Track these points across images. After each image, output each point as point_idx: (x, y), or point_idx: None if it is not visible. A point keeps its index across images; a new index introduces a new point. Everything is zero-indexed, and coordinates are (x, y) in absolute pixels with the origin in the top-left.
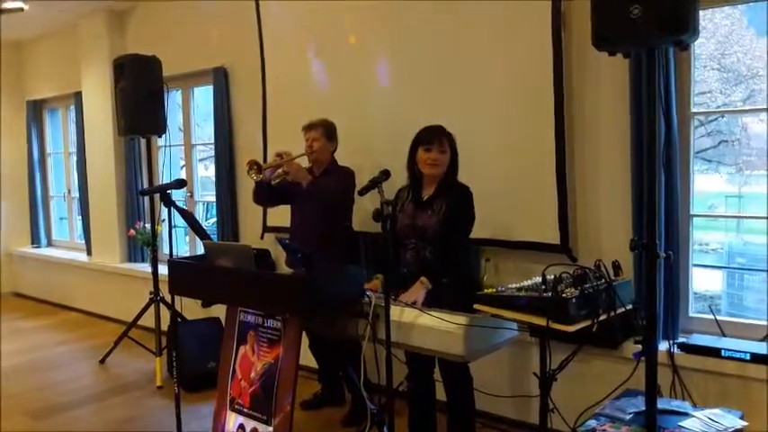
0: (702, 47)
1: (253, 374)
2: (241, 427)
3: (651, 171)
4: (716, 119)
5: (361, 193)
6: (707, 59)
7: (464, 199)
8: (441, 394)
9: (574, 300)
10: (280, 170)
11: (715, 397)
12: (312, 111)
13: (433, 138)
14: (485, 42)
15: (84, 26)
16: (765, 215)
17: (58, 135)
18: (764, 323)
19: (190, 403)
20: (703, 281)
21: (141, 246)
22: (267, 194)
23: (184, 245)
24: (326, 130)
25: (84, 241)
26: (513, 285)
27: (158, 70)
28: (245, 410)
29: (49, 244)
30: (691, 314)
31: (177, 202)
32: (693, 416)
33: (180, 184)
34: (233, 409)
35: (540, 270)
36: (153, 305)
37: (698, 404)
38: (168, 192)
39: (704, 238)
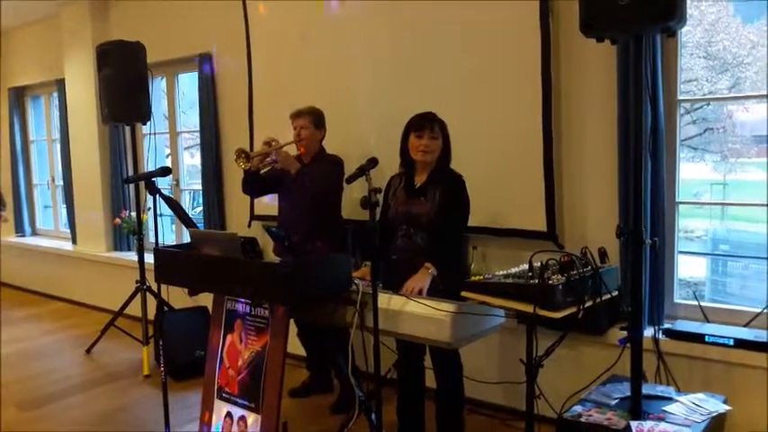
0: (689, 34)
1: (240, 363)
2: (229, 414)
3: (637, 158)
4: (701, 106)
5: (349, 180)
6: (693, 47)
7: (460, 188)
8: (429, 381)
9: (560, 286)
10: (268, 158)
11: (699, 382)
12: (299, 98)
13: (425, 124)
14: (472, 29)
15: (67, 12)
16: (750, 202)
17: (41, 122)
18: (747, 309)
19: (177, 392)
20: (687, 267)
21: (127, 234)
22: (256, 184)
23: (171, 233)
24: (315, 118)
25: (69, 230)
26: (501, 272)
27: (142, 57)
28: (233, 398)
29: (34, 233)
30: (675, 300)
31: (163, 191)
32: (678, 401)
33: (165, 171)
34: (221, 398)
35: (527, 257)
36: (139, 294)
37: (682, 389)
38: (153, 180)
39: (689, 225)
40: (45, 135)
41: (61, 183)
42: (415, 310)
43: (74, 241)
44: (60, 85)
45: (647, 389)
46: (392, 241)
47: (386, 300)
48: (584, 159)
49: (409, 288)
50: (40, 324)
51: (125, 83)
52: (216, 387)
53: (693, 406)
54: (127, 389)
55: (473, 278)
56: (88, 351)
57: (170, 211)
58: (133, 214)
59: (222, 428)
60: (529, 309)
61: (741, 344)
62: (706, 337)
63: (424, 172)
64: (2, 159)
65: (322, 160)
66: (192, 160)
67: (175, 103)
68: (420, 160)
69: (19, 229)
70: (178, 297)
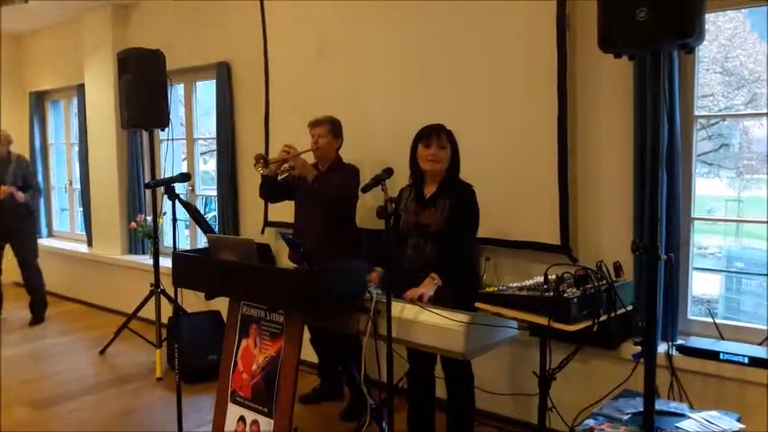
0: (705, 50)
1: (254, 367)
2: (242, 419)
3: (653, 173)
4: (717, 122)
5: (364, 190)
6: (710, 63)
7: (469, 198)
8: (440, 392)
9: (575, 300)
10: (286, 165)
11: (712, 399)
12: (314, 107)
13: (432, 134)
14: (489, 42)
15: (89, 19)
16: (765, 220)
17: (60, 126)
18: (762, 327)
19: (189, 395)
20: (701, 284)
21: (142, 238)
22: (273, 189)
23: (185, 238)
24: (333, 127)
25: (84, 232)
26: (515, 284)
27: (162, 64)
28: (247, 403)
29: (50, 235)
30: (689, 317)
31: (180, 196)
32: (691, 417)
33: (184, 177)
34: (234, 402)
35: (540, 269)
36: (153, 297)
37: (695, 406)
38: (173, 185)
39: (703, 241)
40: (64, 139)
41: (78, 186)
42: (429, 320)
43: (89, 244)
44: (80, 90)
45: (659, 405)
46: (403, 251)
47: (399, 308)
48: (599, 173)
49: (409, 295)
50: (54, 324)
51: (145, 89)
52: (229, 391)
53: (707, 423)
54: (139, 391)
55: (487, 289)
56: (102, 352)
57: (185, 215)
58: (149, 218)
59: None
60: (543, 321)
61: (756, 362)
62: (720, 354)
63: (434, 183)
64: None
65: (338, 169)
66: (205, 166)
67: (193, 110)
68: (429, 170)
69: (36, 231)
70: (191, 301)
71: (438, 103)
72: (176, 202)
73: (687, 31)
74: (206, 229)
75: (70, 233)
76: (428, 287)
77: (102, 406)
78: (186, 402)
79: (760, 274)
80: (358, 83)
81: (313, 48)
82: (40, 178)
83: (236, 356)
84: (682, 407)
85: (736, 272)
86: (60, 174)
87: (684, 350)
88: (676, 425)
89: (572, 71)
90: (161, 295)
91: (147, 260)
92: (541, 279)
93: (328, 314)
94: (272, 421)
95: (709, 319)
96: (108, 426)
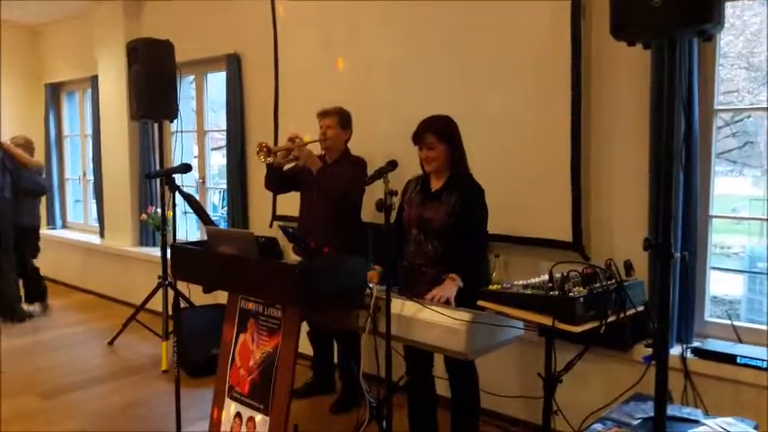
0: (731, 45)
1: (252, 363)
2: (238, 415)
3: (668, 169)
4: (742, 119)
5: (367, 183)
6: (735, 58)
7: (477, 197)
8: (444, 390)
9: (581, 299)
10: (290, 155)
11: (729, 405)
12: (324, 98)
13: (418, 136)
14: (500, 34)
15: (101, 11)
16: None
17: (75, 118)
18: None
19: (193, 388)
20: (723, 285)
21: (153, 230)
22: (278, 180)
23: (196, 230)
24: (341, 118)
25: (98, 224)
26: (520, 282)
27: (171, 54)
28: (243, 399)
29: (64, 226)
30: (707, 318)
31: (188, 189)
32: (705, 424)
33: (185, 168)
34: (231, 397)
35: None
36: (161, 289)
37: (710, 412)
38: (173, 176)
39: (726, 241)
40: (78, 130)
41: (92, 178)
42: (430, 318)
43: (101, 235)
44: (94, 81)
45: (672, 410)
46: (404, 247)
47: (399, 305)
48: (614, 168)
49: (436, 297)
50: (65, 314)
51: (154, 80)
52: (227, 386)
53: (722, 430)
54: (145, 382)
55: (492, 287)
56: (110, 343)
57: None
58: (159, 210)
59: (231, 428)
60: (548, 321)
61: None
62: (738, 358)
63: (440, 178)
64: (36, 154)
65: (345, 161)
66: (223, 160)
67: (203, 102)
68: (427, 170)
69: (50, 222)
70: (200, 293)
71: (447, 98)
72: (176, 193)
73: (705, 17)
74: (206, 220)
75: (84, 224)
76: (451, 289)
77: (108, 397)
78: (189, 395)
79: None
80: (368, 76)
81: (323, 41)
82: (55, 170)
83: (233, 351)
84: (696, 413)
85: (756, 272)
86: (75, 165)
87: (699, 353)
88: (689, 431)
89: (587, 63)
90: (169, 287)
91: (157, 252)
92: (547, 277)
93: (326, 310)
94: (268, 418)
95: (728, 321)
96: (112, 416)
